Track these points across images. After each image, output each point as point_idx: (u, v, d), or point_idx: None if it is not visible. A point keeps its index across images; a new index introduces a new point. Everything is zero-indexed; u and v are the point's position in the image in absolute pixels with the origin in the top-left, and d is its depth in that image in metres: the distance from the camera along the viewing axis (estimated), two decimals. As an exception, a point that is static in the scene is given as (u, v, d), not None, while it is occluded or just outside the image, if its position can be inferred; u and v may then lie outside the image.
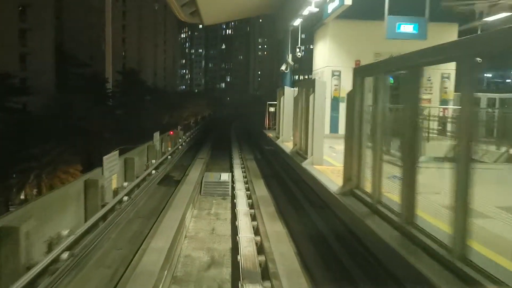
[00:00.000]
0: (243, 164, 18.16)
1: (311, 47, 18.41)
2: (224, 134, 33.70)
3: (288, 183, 12.90)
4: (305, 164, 9.41)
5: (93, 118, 36.08)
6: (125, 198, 9.94)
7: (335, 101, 16.36)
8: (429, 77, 16.08)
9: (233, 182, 14.28)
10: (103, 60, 79.09)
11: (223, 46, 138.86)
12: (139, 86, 70.95)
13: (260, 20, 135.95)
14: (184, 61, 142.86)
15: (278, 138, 15.42)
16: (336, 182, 7.25)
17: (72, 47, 67.50)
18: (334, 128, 16.35)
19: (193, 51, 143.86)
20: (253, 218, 10.08)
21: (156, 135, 15.66)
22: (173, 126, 51.36)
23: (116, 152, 10.22)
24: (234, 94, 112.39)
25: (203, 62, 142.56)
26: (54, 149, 29.87)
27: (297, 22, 17.79)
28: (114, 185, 9.53)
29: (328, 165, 9.40)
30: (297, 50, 17.65)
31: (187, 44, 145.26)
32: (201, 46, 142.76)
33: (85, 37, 73.74)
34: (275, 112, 20.39)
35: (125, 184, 10.71)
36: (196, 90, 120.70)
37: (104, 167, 9.28)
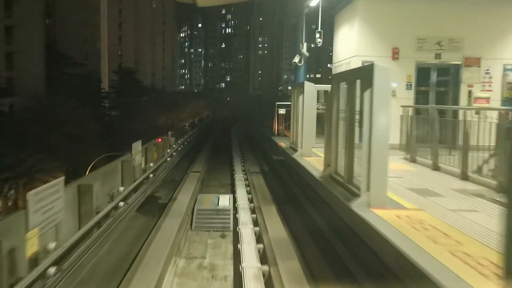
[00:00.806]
0: (247, 180, 14.40)
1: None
2: (224, 139, 29.70)
3: (314, 217, 9.10)
4: (358, 206, 5.57)
5: (78, 121, 32.44)
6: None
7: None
8: (487, 70, 12.28)
9: (235, 209, 10.56)
10: (99, 59, 75.45)
11: (223, 45, 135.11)
12: (135, 86, 67.37)
13: (261, 19, 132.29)
14: (183, 60, 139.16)
15: (294, 149, 11.63)
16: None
17: (65, 46, 63.56)
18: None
19: (192, 50, 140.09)
20: (269, 282, 6.38)
21: (136, 145, 11.86)
22: (169, 128, 47.66)
23: (59, 181, 6.41)
24: (234, 94, 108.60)
25: (203, 62, 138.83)
26: (32, 156, 26.26)
27: (315, 1, 13.99)
28: (35, 248, 5.63)
29: (397, 208, 5.60)
30: (317, 35, 13.85)
31: (186, 43, 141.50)
32: (200, 45, 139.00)
33: (80, 35, 70.02)
34: (285, 115, 16.63)
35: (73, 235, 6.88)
36: (196, 90, 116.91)
37: (29, 209, 5.50)
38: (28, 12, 52.17)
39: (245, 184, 13.59)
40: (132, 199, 9.59)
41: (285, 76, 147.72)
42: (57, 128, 31.29)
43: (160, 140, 16.69)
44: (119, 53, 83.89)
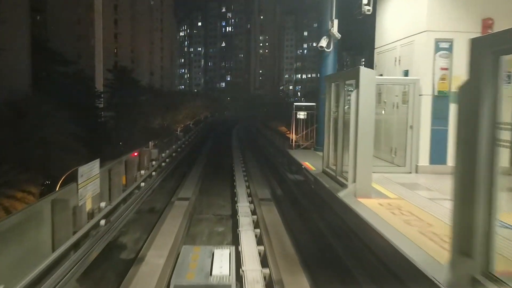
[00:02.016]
0: (254, 213, 9.96)
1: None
2: (223, 148, 24.64)
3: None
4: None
5: (60, 124, 27.94)
6: None
7: (440, 100, 8.08)
8: None
9: (239, 279, 6.17)
10: (92, 57, 70.93)
11: (223, 44, 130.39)
12: (131, 85, 62.90)
13: (262, 17, 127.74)
14: (182, 60, 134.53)
15: (333, 178, 7.18)
16: None
17: (57, 43, 58.76)
18: (438, 153, 8.11)
19: (192, 49, 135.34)
20: None
21: (88, 170, 7.38)
22: (166, 130, 43.09)
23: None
24: (235, 94, 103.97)
25: (203, 61, 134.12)
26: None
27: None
28: None
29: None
30: (364, 1, 9.31)
31: (186, 42, 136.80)
32: (200, 44, 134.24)
33: (73, 32, 65.53)
34: (305, 120, 12.14)
35: None
36: (196, 90, 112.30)
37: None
38: (16, 8, 47.72)
39: (253, 221, 9.14)
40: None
41: (286, 76, 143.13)
42: (33, 132, 26.79)
43: (136, 154, 12.16)
44: (115, 51, 79.38)
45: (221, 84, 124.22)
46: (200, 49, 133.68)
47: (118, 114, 51.68)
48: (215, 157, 20.48)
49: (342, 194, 6.16)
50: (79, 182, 7.28)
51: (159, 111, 51.62)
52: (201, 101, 64.10)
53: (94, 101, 52.11)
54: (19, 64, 48.75)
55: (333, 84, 8.11)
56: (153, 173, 11.83)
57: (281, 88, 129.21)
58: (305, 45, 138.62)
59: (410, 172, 8.21)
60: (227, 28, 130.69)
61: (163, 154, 14.28)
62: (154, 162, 12.46)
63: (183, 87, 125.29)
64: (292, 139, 11.89)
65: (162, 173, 13.46)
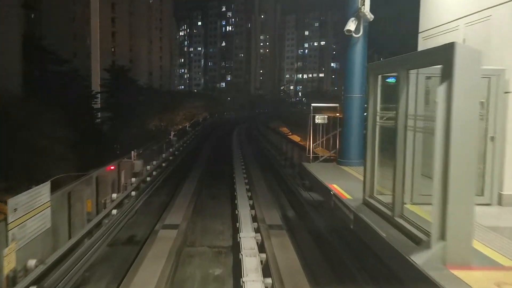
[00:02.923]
0: (262, 248, 7.44)
1: None
2: (223, 156, 21.25)
3: None
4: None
5: (41, 128, 25.39)
6: None
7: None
8: None
9: None
10: (87, 56, 68.30)
11: (223, 44, 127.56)
12: (129, 85, 60.32)
13: (262, 16, 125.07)
14: (182, 60, 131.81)
15: (408, 234, 4.47)
16: None
17: (52, 42, 56.05)
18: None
19: (191, 49, 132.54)
20: None
21: (33, 197, 4.82)
22: (163, 131, 40.40)
23: None
24: (235, 94, 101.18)
25: (202, 61, 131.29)
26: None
27: None
28: None
29: None
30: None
31: (186, 42, 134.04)
32: (200, 44, 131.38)
33: (69, 30, 62.96)
34: (326, 125, 9.58)
35: None
36: (196, 90, 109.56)
37: None
38: (5, 4, 45.09)
39: (261, 261, 6.62)
40: None
41: (287, 76, 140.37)
42: (15, 136, 24.20)
43: (113, 167, 9.60)
44: (112, 50, 76.83)
45: (221, 84, 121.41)
46: (200, 48, 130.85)
47: (115, 114, 49.21)
48: (212, 167, 17.50)
49: (421, 260, 3.58)
50: (10, 220, 4.78)
51: (156, 112, 49.17)
52: (200, 101, 61.57)
53: (88, 101, 49.51)
54: (9, 63, 46.02)
55: (379, 76, 5.58)
56: (133, 193, 9.26)
57: (282, 88, 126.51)
58: (306, 45, 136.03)
59: (490, 204, 5.66)
60: (227, 27, 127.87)
61: (149, 167, 11.64)
62: (133, 180, 9.85)
63: (182, 87, 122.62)
64: (309, 149, 9.32)
65: (145, 192, 10.87)
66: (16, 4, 48.01)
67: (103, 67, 66.62)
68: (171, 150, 17.02)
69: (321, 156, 9.43)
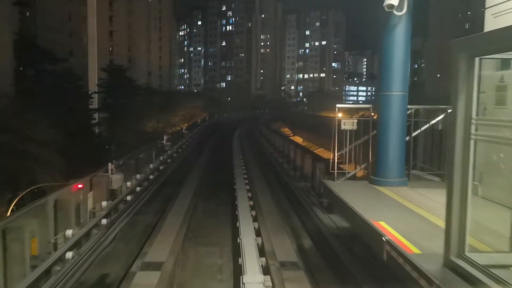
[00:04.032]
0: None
1: None
2: (221, 168, 17.99)
3: None
4: None
5: (28, 130, 23.15)
6: None
7: None
8: None
9: None
10: (86, 55, 66.05)
11: (223, 43, 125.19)
12: (126, 85, 58.14)
13: (263, 16, 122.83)
14: (182, 59, 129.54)
15: None
16: None
17: (48, 40, 53.93)
18: None
19: (191, 49, 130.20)
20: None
21: None
22: (161, 133, 38.05)
23: None
24: (236, 94, 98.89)
25: (202, 61, 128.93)
26: None
27: None
28: None
29: None
30: None
31: (186, 42, 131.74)
32: (200, 43, 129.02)
33: (65, 29, 60.77)
34: (353, 132, 7.35)
35: None
36: (196, 90, 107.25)
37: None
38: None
39: None
40: None
41: (288, 76, 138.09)
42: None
43: (80, 185, 7.36)
44: (110, 49, 74.62)
45: (222, 84, 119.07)
46: (200, 48, 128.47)
47: (111, 115, 47.04)
48: (210, 176, 15.03)
49: None
50: None
51: (154, 112, 46.95)
52: (200, 101, 59.24)
53: (83, 102, 47.26)
54: (0, 62, 43.78)
55: (477, 59, 3.36)
56: (104, 221, 7.02)
57: (282, 88, 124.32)
58: (307, 44, 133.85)
59: None
60: (228, 27, 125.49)
61: (129, 183, 9.35)
62: (102, 205, 7.56)
63: (182, 87, 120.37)
64: (333, 163, 7.09)
65: (124, 215, 8.59)
66: (7, 1, 45.77)
67: (100, 66, 64.41)
68: (161, 158, 14.67)
69: (348, 172, 7.22)
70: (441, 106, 7.45)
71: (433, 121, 7.32)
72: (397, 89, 6.74)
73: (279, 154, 18.06)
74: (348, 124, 7.13)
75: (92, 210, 7.02)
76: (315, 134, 43.20)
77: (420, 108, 7.33)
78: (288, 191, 12.26)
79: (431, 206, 5.52)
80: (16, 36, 44.08)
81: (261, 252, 7.46)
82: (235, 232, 8.64)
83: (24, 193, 15.87)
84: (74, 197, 7.07)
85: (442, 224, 4.34)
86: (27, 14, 54.85)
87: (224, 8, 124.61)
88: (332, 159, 7.23)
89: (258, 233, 8.48)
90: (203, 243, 8.57)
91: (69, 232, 5.82)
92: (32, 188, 16.14)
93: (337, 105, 7.36)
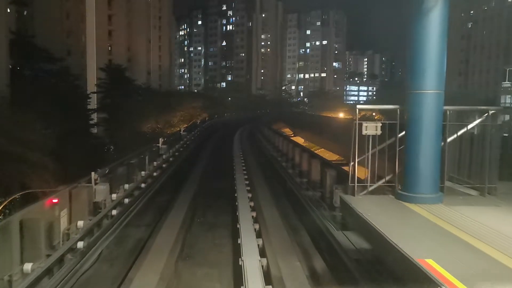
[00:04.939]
0: None
1: None
2: (221, 171, 16.61)
3: None
4: None
5: (15, 131, 22.02)
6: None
7: None
8: None
9: None
10: (84, 55, 64.89)
11: (224, 43, 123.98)
12: (125, 85, 57.08)
13: (263, 15, 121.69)
14: (182, 59, 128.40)
15: None
16: None
17: (45, 39, 52.72)
18: None
19: (191, 49, 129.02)
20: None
21: None
22: (158, 135, 36.95)
23: None
24: (236, 94, 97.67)
25: (203, 61, 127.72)
26: None
27: None
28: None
29: None
30: None
31: (186, 41, 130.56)
32: (200, 43, 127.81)
33: (63, 28, 59.66)
34: (376, 138, 6.20)
35: None
36: (196, 90, 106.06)
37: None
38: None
39: None
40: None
41: (288, 75, 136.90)
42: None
43: (55, 200, 6.20)
44: (109, 49, 73.52)
45: (222, 84, 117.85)
46: (200, 48, 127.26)
47: (110, 116, 46.01)
48: (208, 188, 13.42)
49: None
50: None
51: (153, 113, 45.86)
52: (200, 101, 58.12)
53: (80, 102, 46.16)
54: (-4, 60, 42.68)
55: None
56: (80, 244, 5.87)
57: (283, 88, 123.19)
58: (307, 44, 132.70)
59: None
60: (228, 26, 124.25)
61: (115, 195, 8.14)
62: (80, 224, 6.39)
63: (182, 87, 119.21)
64: (353, 175, 5.94)
65: (106, 235, 7.39)
66: (3, 0, 44.67)
67: (99, 66, 63.30)
68: (155, 163, 13.46)
69: (370, 185, 6.08)
70: (479, 107, 6.31)
71: (472, 125, 6.17)
72: (431, 87, 5.59)
73: (283, 157, 16.89)
74: (371, 128, 5.99)
75: (66, 231, 5.85)
76: (316, 134, 42.08)
77: (457, 109, 6.18)
78: (294, 199, 11.11)
79: (483, 233, 4.37)
80: (12, 35, 42.91)
81: (267, 277, 6.31)
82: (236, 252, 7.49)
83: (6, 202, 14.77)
84: (46, 215, 5.93)
85: (510, 262, 3.22)
86: (25, 13, 53.84)
87: (224, 8, 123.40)
88: (351, 169, 6.08)
89: (262, 252, 7.32)
90: (199, 263, 7.43)
91: (27, 267, 4.65)
92: (12, 198, 15.00)
93: (358, 106, 6.21)
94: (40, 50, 47.58)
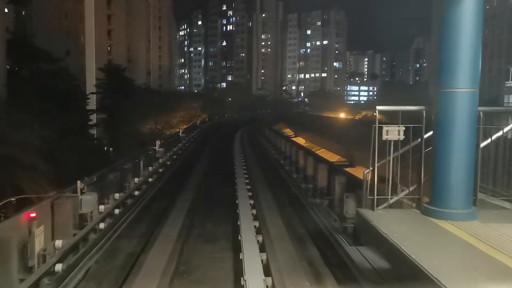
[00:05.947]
0: None
1: None
2: (222, 179, 14.80)
3: None
4: None
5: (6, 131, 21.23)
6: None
7: None
8: None
9: None
10: (83, 55, 64.16)
11: (224, 43, 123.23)
12: (125, 85, 56.35)
13: (263, 15, 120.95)
14: (182, 59, 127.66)
15: None
16: None
17: (43, 40, 51.96)
18: None
19: (192, 49, 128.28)
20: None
21: None
22: (157, 136, 36.20)
23: None
24: (236, 94, 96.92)
25: (203, 61, 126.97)
26: None
27: None
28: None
29: None
30: None
31: (186, 41, 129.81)
32: (200, 43, 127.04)
33: (62, 28, 58.97)
34: (399, 144, 5.41)
35: None
36: (196, 91, 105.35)
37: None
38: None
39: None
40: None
41: (289, 75, 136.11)
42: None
43: (33, 214, 5.41)
44: (109, 49, 72.79)
45: (222, 84, 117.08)
46: (200, 48, 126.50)
47: (109, 117, 45.31)
48: (207, 195, 12.44)
49: None
50: None
51: (152, 113, 45.15)
52: (200, 102, 57.38)
53: (79, 102, 45.40)
54: (-9, 60, 41.94)
55: None
56: (58, 267, 5.08)
57: (284, 88, 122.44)
58: (308, 44, 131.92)
59: None
60: (228, 26, 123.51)
61: (102, 207, 7.31)
62: (58, 244, 5.58)
63: (182, 87, 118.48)
64: (371, 186, 5.17)
65: (90, 255, 6.57)
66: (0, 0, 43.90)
67: (98, 66, 62.57)
68: (151, 169, 12.62)
69: (390, 197, 5.30)
70: (515, 108, 5.50)
71: (508, 128, 5.38)
72: (465, 85, 4.80)
73: (286, 161, 16.09)
74: (393, 132, 5.20)
75: (42, 253, 5.06)
76: (317, 135, 41.36)
77: (491, 110, 5.39)
78: (301, 208, 10.31)
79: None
80: (10, 35, 42.15)
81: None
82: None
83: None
84: (21, 233, 5.14)
85: None
86: (23, 13, 53.13)
87: (224, 8, 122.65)
88: (369, 179, 5.29)
89: (266, 271, 6.53)
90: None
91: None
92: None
93: (377, 107, 5.43)
94: (39, 50, 46.79)
